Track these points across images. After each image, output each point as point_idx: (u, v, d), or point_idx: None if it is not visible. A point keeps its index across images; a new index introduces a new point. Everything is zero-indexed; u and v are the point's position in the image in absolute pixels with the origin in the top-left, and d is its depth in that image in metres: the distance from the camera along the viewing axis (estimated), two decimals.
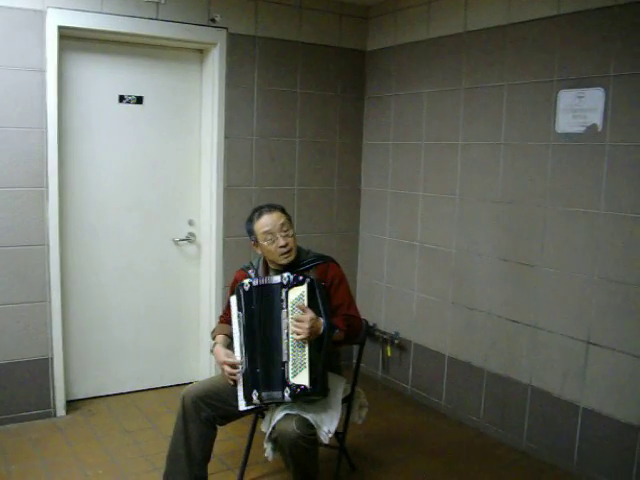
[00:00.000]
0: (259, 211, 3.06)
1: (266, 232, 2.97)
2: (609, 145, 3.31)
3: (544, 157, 3.64)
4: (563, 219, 3.56)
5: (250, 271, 3.12)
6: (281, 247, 2.96)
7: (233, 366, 2.89)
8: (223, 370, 2.95)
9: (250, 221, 3.06)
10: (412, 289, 4.63)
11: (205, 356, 4.66)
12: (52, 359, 4.00)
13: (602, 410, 3.40)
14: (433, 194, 4.42)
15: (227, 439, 3.66)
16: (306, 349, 2.75)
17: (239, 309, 2.92)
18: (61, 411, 4.06)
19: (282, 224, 2.98)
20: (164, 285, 4.59)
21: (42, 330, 3.95)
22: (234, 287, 3.07)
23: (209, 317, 4.61)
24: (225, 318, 3.20)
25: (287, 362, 2.76)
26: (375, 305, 4.92)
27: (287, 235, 2.98)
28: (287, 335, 2.78)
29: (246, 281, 2.93)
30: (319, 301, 2.82)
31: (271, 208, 3.05)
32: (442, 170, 4.34)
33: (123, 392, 4.48)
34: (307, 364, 2.73)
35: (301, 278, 2.82)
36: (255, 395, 2.80)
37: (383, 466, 3.63)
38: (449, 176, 4.28)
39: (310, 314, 2.75)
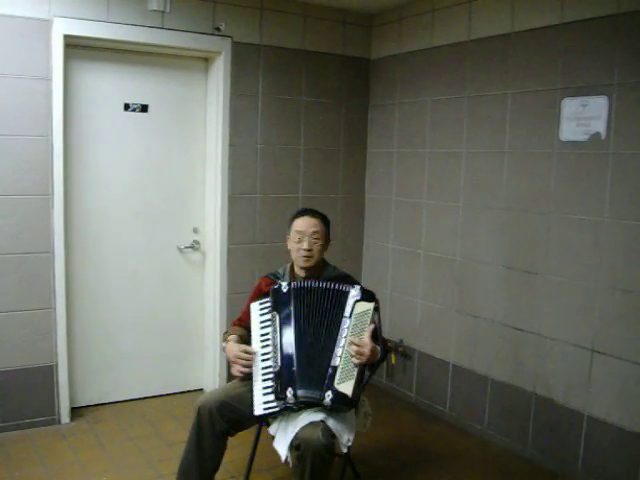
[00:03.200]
0: (306, 210, 3.22)
1: (298, 232, 3.11)
2: (613, 153, 3.31)
3: (548, 165, 3.65)
4: (567, 227, 3.56)
5: (280, 281, 3.12)
6: (305, 249, 3.07)
7: (248, 356, 2.93)
8: (236, 364, 2.96)
9: (295, 214, 3.22)
10: (416, 297, 4.63)
11: (210, 363, 4.67)
12: (57, 366, 4.00)
13: (607, 418, 3.39)
14: (437, 202, 4.43)
15: (231, 447, 3.63)
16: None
17: (274, 309, 2.96)
18: (65, 418, 4.07)
19: (315, 231, 3.10)
20: (169, 292, 4.60)
21: (47, 337, 3.96)
22: (257, 293, 3.16)
23: (213, 324, 4.61)
24: (239, 322, 3.24)
25: (337, 367, 2.80)
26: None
27: (315, 243, 3.10)
28: (345, 343, 2.84)
29: (284, 283, 3.00)
30: (378, 325, 2.91)
31: (314, 214, 3.18)
32: (446, 178, 4.34)
33: (128, 399, 4.49)
34: (355, 376, 2.79)
35: (370, 297, 2.93)
36: (290, 392, 2.80)
37: (387, 474, 3.62)
38: (453, 184, 4.28)
39: (370, 342, 2.82)
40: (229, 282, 4.55)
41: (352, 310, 2.89)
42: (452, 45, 4.26)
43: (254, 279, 4.17)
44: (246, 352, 2.95)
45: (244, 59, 4.45)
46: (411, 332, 4.68)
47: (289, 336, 2.90)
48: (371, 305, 2.90)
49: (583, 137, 3.45)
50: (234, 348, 3.01)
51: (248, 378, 2.95)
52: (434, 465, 3.74)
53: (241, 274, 4.54)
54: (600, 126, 3.36)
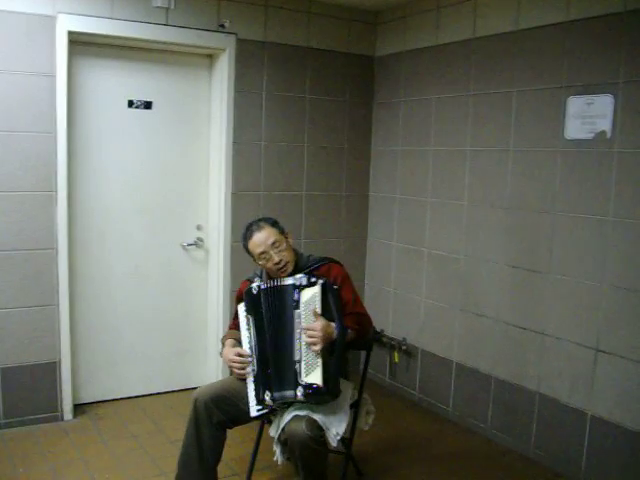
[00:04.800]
0: (250, 230, 3.06)
1: (260, 253, 2.99)
2: (618, 151, 3.30)
3: (553, 163, 3.63)
4: (572, 225, 3.55)
5: (256, 279, 3.13)
6: (276, 264, 2.98)
7: (242, 359, 2.92)
8: (232, 368, 2.96)
9: (244, 240, 3.08)
10: (420, 295, 4.62)
11: (212, 360, 4.67)
12: (60, 363, 4.01)
13: (610, 418, 3.38)
14: (441, 200, 4.41)
15: (234, 444, 3.66)
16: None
17: (248, 313, 2.95)
18: (68, 415, 4.07)
19: (273, 243, 2.98)
20: (172, 289, 4.60)
21: (50, 334, 3.96)
22: (240, 297, 3.11)
23: (217, 321, 4.61)
24: (234, 326, 3.23)
25: (300, 361, 2.77)
26: (383, 311, 4.90)
27: (280, 251, 2.99)
28: (300, 334, 2.79)
29: (254, 285, 2.96)
30: (331, 303, 2.85)
31: (260, 225, 3.04)
32: (450, 176, 4.33)
33: (130, 396, 4.49)
34: (320, 363, 2.74)
35: (314, 280, 2.85)
36: (268, 396, 2.81)
37: (390, 472, 3.61)
38: (457, 182, 4.27)
39: (321, 321, 2.77)
40: (232, 279, 4.54)
41: (299, 300, 2.83)
42: (457, 43, 4.25)
43: None
44: (239, 355, 2.94)
45: (248, 56, 4.44)
46: (414, 330, 4.67)
47: (262, 338, 2.89)
48: (316, 289, 2.83)
49: (588, 135, 3.44)
50: (228, 353, 3.00)
51: (245, 379, 2.96)
52: (437, 464, 3.73)
53: (244, 272, 4.45)
54: (605, 124, 3.35)
